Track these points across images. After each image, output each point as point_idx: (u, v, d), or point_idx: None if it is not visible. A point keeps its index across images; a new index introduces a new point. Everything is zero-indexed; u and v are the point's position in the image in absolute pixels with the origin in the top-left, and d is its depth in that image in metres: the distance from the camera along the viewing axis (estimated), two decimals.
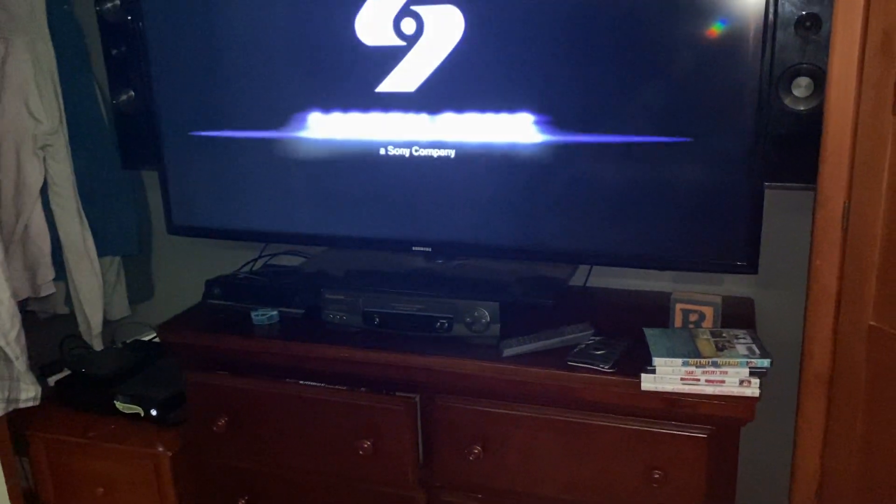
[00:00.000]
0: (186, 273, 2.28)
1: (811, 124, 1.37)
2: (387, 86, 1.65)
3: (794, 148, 1.41)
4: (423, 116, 1.64)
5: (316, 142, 1.75)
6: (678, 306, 1.57)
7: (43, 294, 2.11)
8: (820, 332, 1.37)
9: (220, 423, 1.75)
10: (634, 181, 1.56)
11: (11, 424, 1.88)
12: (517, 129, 1.59)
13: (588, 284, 1.91)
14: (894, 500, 1.30)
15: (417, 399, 1.63)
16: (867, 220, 1.27)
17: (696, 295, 1.58)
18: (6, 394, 1.81)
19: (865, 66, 1.23)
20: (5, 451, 1.82)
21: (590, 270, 1.90)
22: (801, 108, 1.40)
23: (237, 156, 1.84)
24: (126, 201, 2.22)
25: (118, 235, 2.21)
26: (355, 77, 1.67)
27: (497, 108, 1.59)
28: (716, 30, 1.43)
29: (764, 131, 1.42)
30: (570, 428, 1.53)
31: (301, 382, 1.70)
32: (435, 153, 1.65)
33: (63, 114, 2.02)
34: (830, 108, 1.27)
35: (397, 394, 1.63)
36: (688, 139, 1.49)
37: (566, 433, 1.54)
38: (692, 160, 1.51)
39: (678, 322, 1.57)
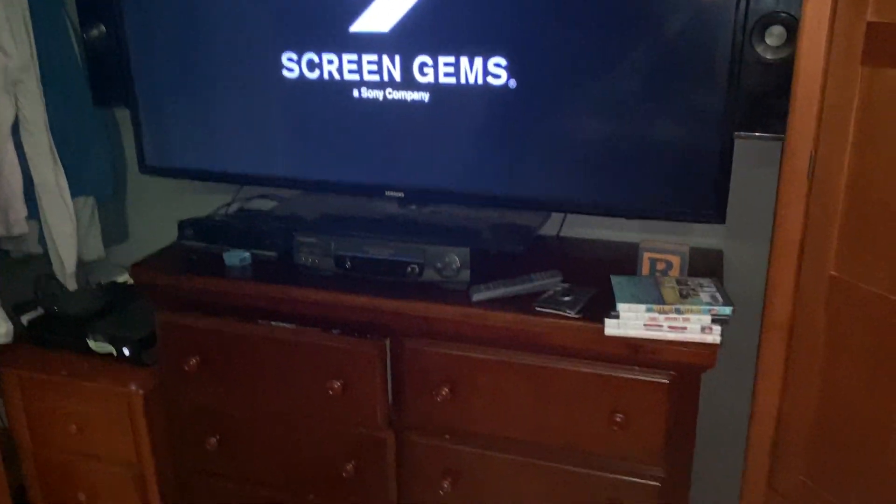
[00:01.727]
0: (161, 215, 2.27)
1: (783, 74, 1.37)
2: (360, 26, 1.63)
3: (766, 98, 1.41)
4: (397, 58, 1.62)
5: (289, 82, 1.73)
6: (646, 255, 1.58)
7: (15, 233, 2.10)
8: (782, 282, 1.39)
9: (191, 363, 1.76)
10: (607, 130, 1.56)
11: None
12: (492, 74, 1.58)
13: (568, 234, 1.92)
14: (847, 444, 1.34)
15: (387, 342, 1.64)
16: (832, 171, 1.28)
17: (664, 244, 1.59)
18: None
19: (837, 15, 1.23)
20: None
21: (563, 219, 1.91)
22: (774, 58, 1.39)
23: (210, 96, 1.82)
24: (100, 141, 2.19)
25: (92, 175, 2.19)
26: (329, 17, 1.65)
27: (472, 51, 1.58)
28: None
29: (736, 81, 1.42)
30: (536, 372, 1.56)
31: (273, 324, 1.72)
32: (409, 96, 1.64)
33: (34, 49, 1.98)
34: (801, 57, 1.27)
35: (368, 337, 1.65)
36: (659, 87, 1.49)
37: (532, 377, 1.56)
38: (664, 109, 1.51)
39: (645, 270, 1.59)
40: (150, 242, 2.13)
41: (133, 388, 1.90)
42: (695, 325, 1.40)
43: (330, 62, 1.68)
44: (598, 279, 1.59)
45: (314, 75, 1.70)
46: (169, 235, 1.94)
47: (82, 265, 2.25)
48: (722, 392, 1.88)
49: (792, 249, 1.36)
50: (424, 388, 1.64)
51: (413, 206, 1.79)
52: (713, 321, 1.39)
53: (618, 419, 1.51)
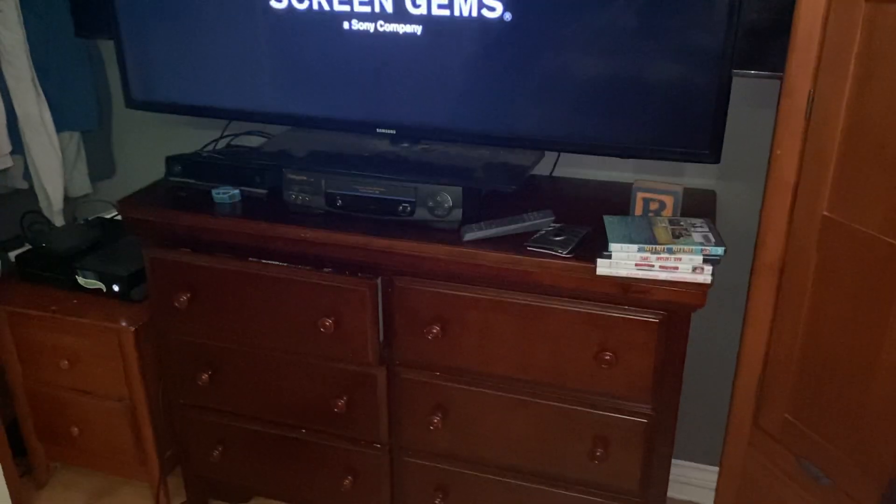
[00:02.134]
0: (148, 151, 2.24)
1: (783, 11, 1.34)
2: None
3: (765, 35, 1.38)
4: None
5: (277, 13, 1.68)
6: (639, 195, 1.58)
7: (0, 168, 2.07)
8: (775, 222, 1.39)
9: (181, 300, 1.76)
10: (602, 66, 1.53)
11: None
12: (486, 6, 1.53)
13: (562, 174, 1.91)
14: (831, 383, 1.36)
15: (378, 280, 1.64)
16: (830, 112, 1.26)
17: (657, 184, 1.58)
18: None
19: None
20: None
21: (556, 159, 1.89)
22: None
23: (197, 28, 1.77)
24: (84, 74, 2.15)
25: (76, 109, 2.15)
26: None
27: None
28: None
29: (736, 16, 1.39)
30: (527, 311, 1.56)
31: (264, 261, 1.71)
32: (401, 29, 1.60)
33: None
34: None
35: (359, 275, 1.65)
36: (657, 23, 1.46)
37: (522, 316, 1.57)
38: (661, 45, 1.47)
39: (638, 210, 1.58)
40: (138, 178, 2.11)
41: (123, 324, 1.90)
42: (686, 266, 1.40)
43: None
44: (590, 219, 1.59)
45: (303, 6, 1.65)
46: (156, 171, 1.92)
47: (69, 201, 2.23)
48: (710, 330, 1.90)
49: (786, 189, 1.35)
50: (415, 326, 1.65)
51: (405, 144, 1.77)
52: (705, 261, 1.39)
53: (607, 357, 1.53)
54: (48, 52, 2.05)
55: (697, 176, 1.82)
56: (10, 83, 2.00)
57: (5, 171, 2.13)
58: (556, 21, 1.52)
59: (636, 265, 1.41)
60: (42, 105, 2.05)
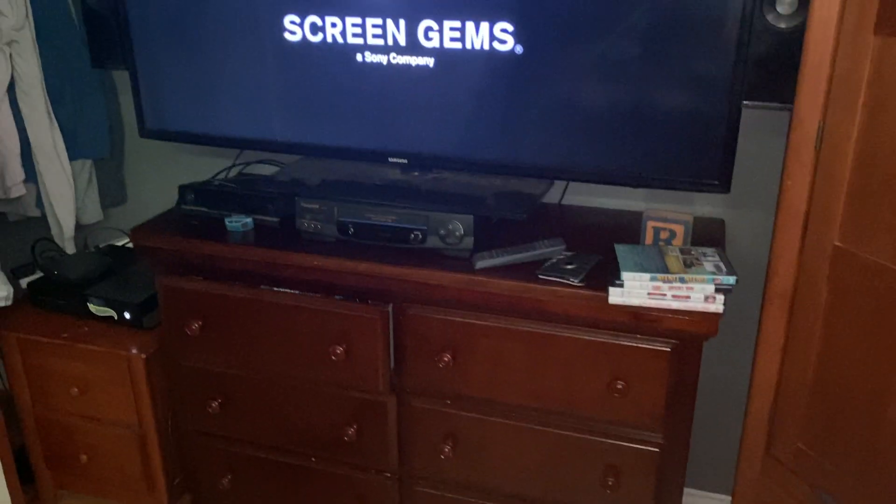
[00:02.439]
0: (160, 179, 2.27)
1: (793, 42, 1.36)
2: None
3: (775, 66, 1.40)
4: (402, 22, 1.60)
5: (291, 45, 1.70)
6: (649, 224, 1.59)
7: (13, 196, 2.08)
8: (786, 252, 1.39)
9: (193, 327, 1.76)
10: (613, 97, 1.55)
11: None
12: (498, 39, 1.56)
13: (570, 203, 1.92)
14: (844, 412, 1.36)
15: (390, 308, 1.65)
16: (840, 142, 1.27)
17: (668, 213, 1.59)
18: None
19: None
20: None
21: (565, 187, 1.90)
22: (784, 26, 1.38)
23: (211, 59, 1.79)
24: (97, 103, 2.17)
25: (89, 138, 2.17)
26: None
27: (478, 16, 1.55)
28: None
29: (745, 48, 1.41)
30: (538, 339, 1.57)
31: (275, 289, 1.72)
32: (413, 61, 1.62)
33: (29, 9, 1.95)
34: (813, 25, 1.26)
35: (370, 303, 1.65)
36: (667, 54, 1.48)
37: (533, 344, 1.57)
38: (672, 76, 1.49)
39: (649, 239, 1.59)
40: (149, 206, 2.13)
41: (134, 351, 1.90)
42: (698, 295, 1.40)
43: (333, 25, 1.65)
44: (601, 247, 1.60)
45: (317, 38, 1.68)
46: (167, 199, 1.93)
47: (80, 228, 2.24)
48: (720, 359, 1.90)
49: (796, 219, 1.36)
50: (426, 354, 1.65)
51: (416, 173, 1.78)
52: (716, 290, 1.40)
53: (618, 386, 1.53)
54: (62, 82, 2.08)
55: (706, 204, 1.83)
56: (25, 112, 2.03)
57: (18, 198, 2.14)
58: (566, 53, 1.54)
59: (648, 294, 1.42)
60: (56, 134, 2.07)
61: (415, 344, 1.66)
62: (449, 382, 1.66)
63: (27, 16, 1.94)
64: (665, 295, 1.42)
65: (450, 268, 1.58)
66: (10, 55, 1.96)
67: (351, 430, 1.76)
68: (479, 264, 1.56)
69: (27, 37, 1.96)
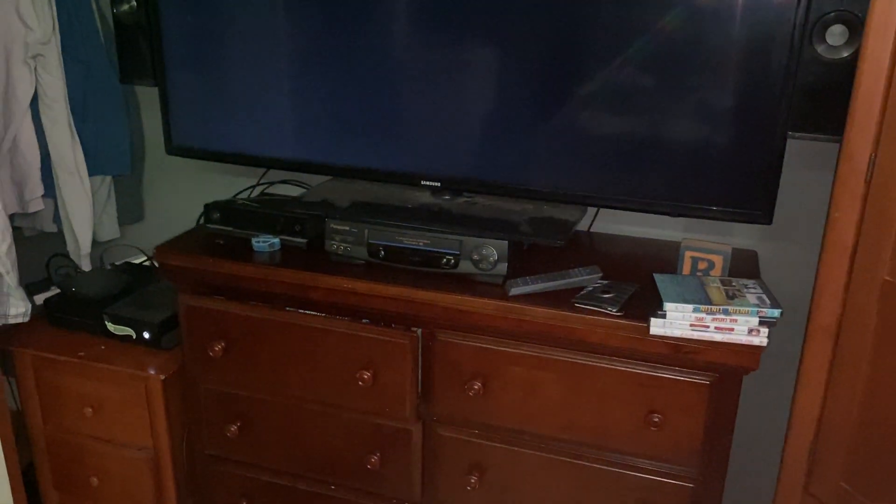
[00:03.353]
0: (178, 197, 2.24)
1: (842, 74, 1.35)
2: None
3: (822, 98, 1.39)
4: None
5: (322, 65, 1.69)
6: (688, 254, 1.56)
7: (31, 210, 2.06)
8: (830, 285, 1.37)
9: (216, 349, 1.73)
10: (657, 125, 1.53)
11: None
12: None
13: (597, 230, 1.90)
14: (890, 451, 1.33)
15: (419, 333, 1.61)
16: (891, 176, 1.26)
17: (707, 243, 1.57)
18: None
19: None
20: None
21: (595, 215, 1.88)
22: (833, 58, 1.37)
23: (241, 77, 1.78)
24: (120, 119, 2.14)
25: (110, 154, 2.14)
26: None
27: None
28: None
29: (793, 79, 1.39)
30: (572, 369, 1.53)
31: (302, 311, 1.68)
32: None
33: (56, 23, 1.93)
34: (866, 58, 1.25)
35: (399, 327, 1.62)
36: (713, 84, 1.46)
37: (567, 374, 1.54)
38: (717, 106, 1.48)
39: (686, 269, 1.57)
40: (166, 224, 2.10)
41: (152, 371, 1.86)
42: (742, 327, 1.38)
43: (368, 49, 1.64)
44: (636, 276, 1.57)
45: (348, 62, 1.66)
46: (185, 217, 1.91)
47: (96, 245, 2.21)
48: (758, 394, 1.87)
49: (843, 252, 1.34)
50: (455, 382, 1.61)
51: (447, 196, 1.76)
52: (761, 323, 1.37)
53: (655, 419, 1.49)
54: (86, 97, 2.06)
55: (739, 235, 1.81)
56: (47, 126, 2.00)
57: (36, 213, 2.11)
58: (610, 80, 1.52)
59: (691, 326, 1.39)
60: (76, 149, 2.05)
61: (444, 371, 1.62)
62: (478, 411, 1.62)
63: (54, 30, 1.93)
64: (708, 327, 1.39)
65: (482, 294, 1.55)
66: (35, 69, 1.94)
67: (374, 458, 1.72)
68: (513, 291, 1.53)
69: (53, 51, 1.94)
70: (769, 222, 1.51)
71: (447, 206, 1.74)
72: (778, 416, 1.59)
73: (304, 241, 1.74)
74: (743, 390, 1.58)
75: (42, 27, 1.91)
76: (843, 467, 1.42)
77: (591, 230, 1.90)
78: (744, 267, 1.67)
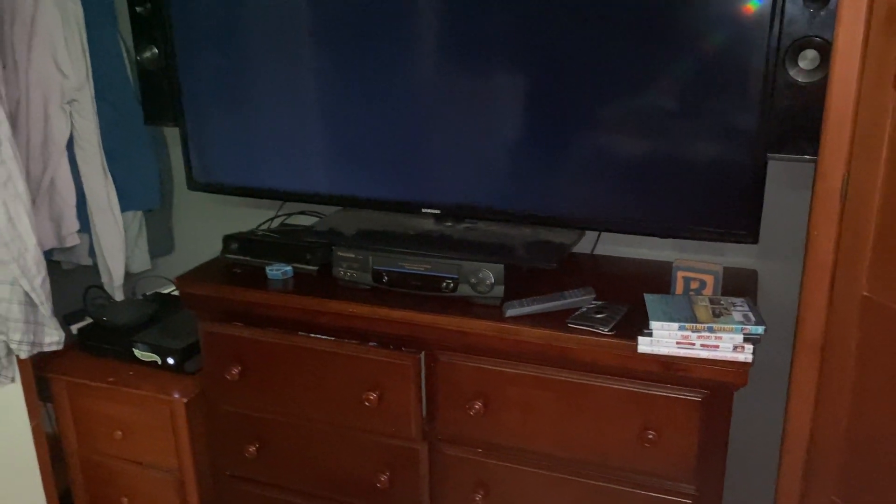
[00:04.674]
0: (206, 230, 2.35)
1: (816, 97, 1.39)
2: None
3: (799, 120, 1.43)
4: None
5: (328, 104, 1.79)
6: (679, 273, 1.60)
7: (68, 245, 2.19)
8: (814, 302, 1.40)
9: (233, 372, 1.82)
10: (642, 149, 1.59)
11: (36, 369, 1.96)
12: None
13: (593, 252, 1.95)
14: (880, 465, 1.34)
15: (422, 355, 1.68)
16: (865, 193, 1.29)
17: (698, 263, 1.61)
18: (31, 337, 1.88)
19: (870, 40, 1.24)
20: (30, 392, 1.90)
21: (597, 238, 1.93)
22: (807, 81, 1.41)
23: (254, 117, 1.89)
24: (148, 157, 2.28)
25: (140, 190, 2.27)
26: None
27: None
28: (728, 1, 1.45)
29: (769, 103, 1.44)
30: (568, 387, 1.58)
31: (312, 335, 1.77)
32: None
33: (90, 70, 2.07)
34: (834, 81, 1.29)
35: (403, 350, 1.69)
36: (693, 109, 1.52)
37: (564, 392, 1.59)
38: (698, 130, 1.53)
39: (679, 289, 1.61)
40: (195, 255, 2.20)
41: (176, 395, 1.96)
42: (727, 344, 1.41)
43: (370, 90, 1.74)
44: (630, 297, 1.62)
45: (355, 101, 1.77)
46: (213, 248, 2.01)
47: (129, 277, 2.33)
48: (753, 410, 1.88)
49: (824, 270, 1.37)
50: (457, 401, 1.67)
51: (449, 223, 1.83)
52: (745, 340, 1.40)
53: (649, 436, 1.53)
54: (117, 138, 2.19)
55: (739, 255, 1.84)
56: (81, 166, 2.14)
57: (72, 247, 2.25)
58: (595, 106, 1.59)
59: (677, 343, 1.43)
60: (109, 187, 2.18)
61: (446, 391, 1.69)
62: (480, 430, 1.68)
63: (87, 77, 2.07)
64: (694, 344, 1.43)
65: (480, 316, 1.61)
66: (71, 113, 2.09)
67: (384, 477, 1.78)
68: (510, 312, 1.59)
69: (87, 96, 2.08)
70: (755, 241, 1.54)
71: (448, 232, 1.81)
72: (776, 431, 1.60)
73: (315, 268, 1.83)
74: (743, 405, 1.61)
75: (77, 74, 2.05)
76: (835, 483, 1.43)
77: (594, 252, 1.95)
78: (743, 285, 1.70)
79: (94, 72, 2.08)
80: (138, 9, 1.92)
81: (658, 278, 1.73)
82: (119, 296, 2.28)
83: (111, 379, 2.03)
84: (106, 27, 2.12)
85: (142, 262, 2.39)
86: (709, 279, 1.59)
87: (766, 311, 1.61)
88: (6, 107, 1.76)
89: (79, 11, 2.02)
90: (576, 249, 1.89)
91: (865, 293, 1.31)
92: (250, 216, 2.19)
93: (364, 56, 1.74)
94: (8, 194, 1.76)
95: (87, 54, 2.06)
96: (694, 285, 1.60)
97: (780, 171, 1.64)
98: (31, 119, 2.02)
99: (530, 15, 1.58)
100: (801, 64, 1.41)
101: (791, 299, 1.74)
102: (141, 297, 2.33)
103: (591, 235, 1.93)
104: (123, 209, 2.23)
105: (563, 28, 1.57)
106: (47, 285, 1.88)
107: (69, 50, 2.03)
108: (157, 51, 1.94)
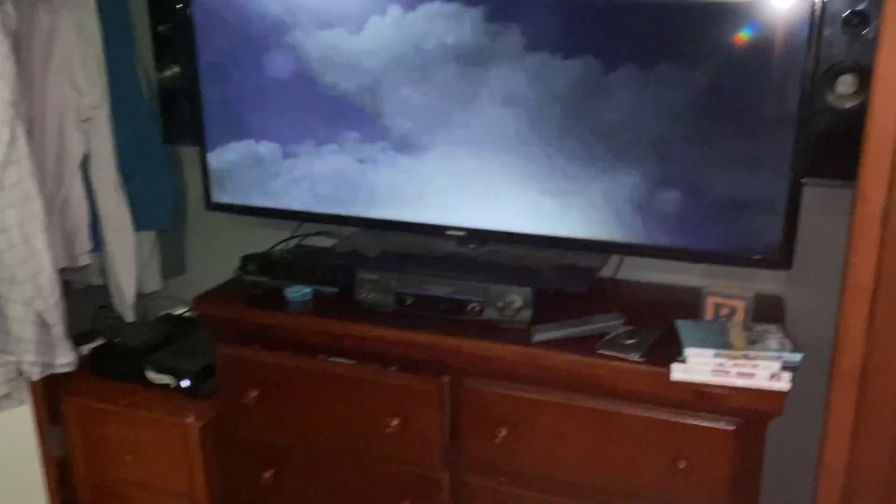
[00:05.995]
0: (219, 250, 2.32)
1: (853, 122, 1.37)
2: None
3: (835, 145, 1.42)
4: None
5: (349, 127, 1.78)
6: (710, 299, 1.58)
7: (80, 264, 2.15)
8: (853, 329, 1.37)
9: (250, 396, 1.78)
10: (675, 174, 1.57)
11: (47, 391, 1.92)
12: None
13: (619, 277, 1.92)
14: None
15: (447, 380, 1.65)
16: None
17: (729, 289, 1.59)
18: (43, 358, 1.85)
19: None
20: (40, 414, 1.86)
21: (620, 261, 1.91)
22: (845, 106, 1.40)
23: (275, 136, 1.87)
24: (163, 177, 2.25)
25: (154, 210, 2.24)
26: None
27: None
28: (765, 26, 1.44)
29: (805, 128, 1.42)
30: (597, 415, 1.55)
31: (332, 359, 1.73)
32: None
33: (106, 88, 2.06)
34: (875, 105, 1.27)
35: (426, 374, 1.65)
36: (729, 133, 1.50)
37: (592, 420, 1.55)
38: (733, 154, 1.51)
39: (709, 315, 1.58)
40: (207, 276, 2.17)
41: (190, 419, 1.92)
42: (763, 372, 1.38)
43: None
44: (659, 322, 1.59)
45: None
46: (225, 269, 1.98)
47: (140, 297, 2.29)
48: (783, 441, 1.85)
49: (864, 296, 1.34)
50: (482, 428, 1.64)
51: (473, 245, 1.81)
52: (782, 368, 1.37)
53: (681, 465, 1.49)
54: (132, 158, 2.16)
55: (765, 281, 1.81)
56: (96, 186, 2.11)
57: (84, 267, 2.21)
58: (627, 131, 1.57)
59: (712, 371, 1.40)
60: (123, 206, 2.15)
61: (471, 417, 1.65)
62: (505, 458, 1.64)
63: (104, 96, 2.05)
64: (729, 372, 1.40)
65: (507, 340, 1.58)
66: (86, 132, 2.06)
67: None
68: (537, 337, 1.56)
69: (103, 115, 2.06)
70: (788, 267, 1.52)
71: (472, 255, 1.79)
72: (810, 462, 1.57)
73: (335, 290, 1.80)
74: (775, 435, 1.58)
75: (93, 93, 2.03)
76: None
77: (618, 276, 1.93)
78: (769, 312, 1.67)
79: (110, 91, 2.06)
80: (160, 28, 1.90)
81: (684, 303, 1.70)
82: (130, 316, 2.24)
83: (123, 402, 1.99)
84: (124, 46, 2.10)
85: (153, 283, 2.35)
86: (739, 305, 1.57)
87: (795, 338, 1.58)
88: (25, 124, 1.74)
89: (97, 30, 2.01)
90: (601, 273, 1.86)
91: None
92: (263, 238, 2.16)
93: (389, 77, 1.72)
94: (25, 213, 1.74)
95: (105, 73, 2.04)
96: (724, 311, 1.57)
97: (809, 197, 1.62)
98: (45, 138, 1.99)
99: (562, 34, 1.57)
100: (839, 89, 1.40)
101: (820, 325, 1.72)
102: (152, 318, 2.29)
103: (613, 259, 1.90)
104: (136, 229, 2.20)
105: (595, 52, 1.56)
106: (61, 306, 1.85)
107: (86, 69, 2.01)
108: (178, 70, 1.92)
